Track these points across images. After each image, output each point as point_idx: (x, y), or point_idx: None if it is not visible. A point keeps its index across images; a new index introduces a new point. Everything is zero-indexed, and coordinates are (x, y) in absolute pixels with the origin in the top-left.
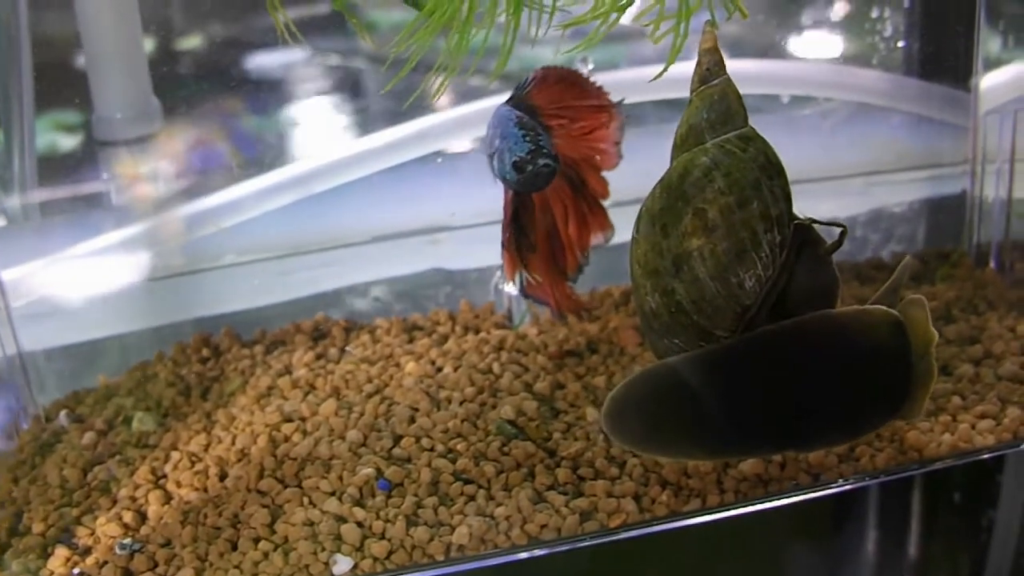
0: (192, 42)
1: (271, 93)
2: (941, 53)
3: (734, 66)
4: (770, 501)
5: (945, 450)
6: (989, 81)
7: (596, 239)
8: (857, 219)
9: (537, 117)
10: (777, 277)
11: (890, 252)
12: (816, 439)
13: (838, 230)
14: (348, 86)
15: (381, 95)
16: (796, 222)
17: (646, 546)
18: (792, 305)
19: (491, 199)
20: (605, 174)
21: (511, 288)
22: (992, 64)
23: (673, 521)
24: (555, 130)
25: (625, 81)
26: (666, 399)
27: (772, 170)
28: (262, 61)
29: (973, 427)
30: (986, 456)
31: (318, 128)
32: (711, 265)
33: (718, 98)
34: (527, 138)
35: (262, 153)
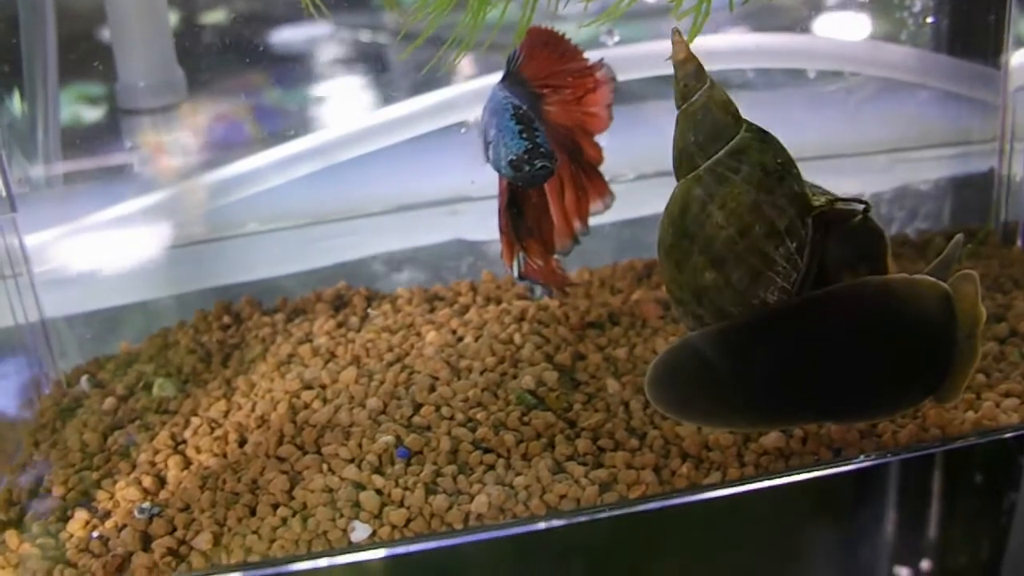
0: (216, 16)
1: (295, 67)
2: (971, 29)
3: (760, 40)
4: (790, 475)
5: (968, 427)
6: (1019, 58)
7: (595, 206)
8: (883, 196)
9: (529, 88)
10: (807, 271)
11: (916, 229)
12: (853, 411)
13: (860, 206)
14: (372, 60)
15: (405, 70)
16: (815, 211)
17: (665, 518)
18: (834, 279)
19: None
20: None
21: (514, 271)
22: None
23: (693, 493)
24: (547, 97)
25: (649, 54)
26: (708, 366)
27: (772, 181)
28: (287, 35)
29: (998, 405)
30: (1009, 435)
31: (342, 102)
32: (729, 296)
33: (701, 116)
34: (524, 135)
35: (285, 126)
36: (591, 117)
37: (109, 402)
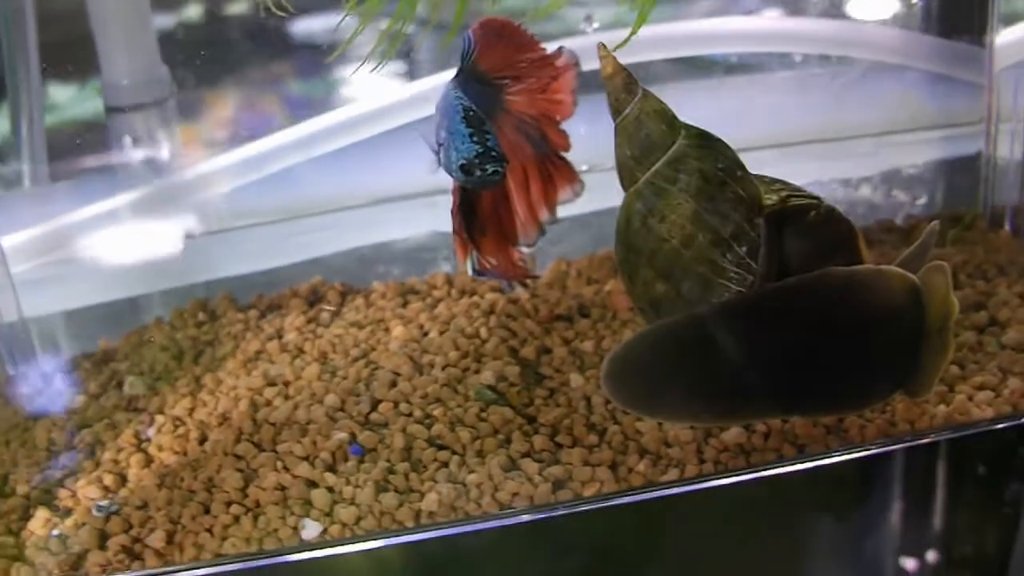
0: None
1: (318, 57)
2: (957, 8)
3: (745, 24)
4: (750, 473)
5: (939, 422)
6: (1005, 38)
7: (565, 194)
8: (870, 180)
9: (487, 80)
10: (767, 272)
11: (904, 215)
12: (820, 405)
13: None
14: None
15: (432, 56)
16: (767, 212)
17: (619, 515)
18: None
19: None
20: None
21: (468, 269)
22: (1012, 19)
23: (647, 492)
24: (508, 87)
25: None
26: (668, 359)
27: (712, 188)
28: (309, 25)
29: (971, 398)
30: (981, 430)
31: (366, 91)
32: (683, 305)
33: (634, 130)
34: (474, 138)
35: (307, 116)
36: (556, 104)
37: (80, 400)
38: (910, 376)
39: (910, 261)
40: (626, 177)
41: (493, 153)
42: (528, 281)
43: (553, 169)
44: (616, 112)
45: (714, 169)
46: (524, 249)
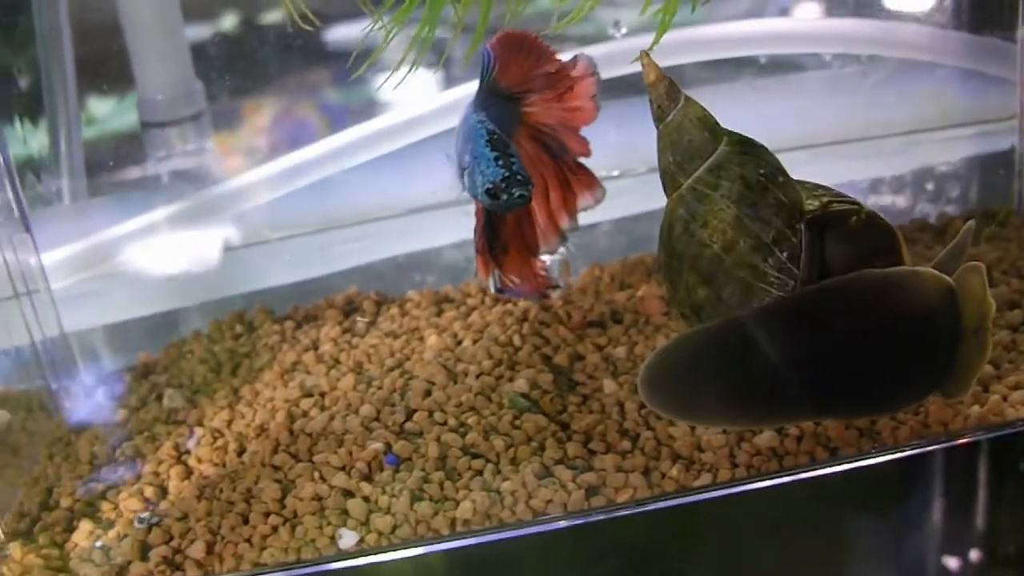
0: (274, 16)
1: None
2: (987, 3)
3: (773, 25)
4: (782, 476)
5: (973, 423)
6: None
7: (585, 201)
8: (903, 178)
9: (507, 97)
10: (807, 277)
11: (937, 212)
12: (857, 406)
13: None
14: (432, 55)
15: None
16: (808, 217)
17: (653, 521)
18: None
19: None
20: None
21: (490, 286)
22: None
23: (680, 497)
24: (525, 98)
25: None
26: (704, 364)
27: (754, 194)
28: (345, 33)
29: (1005, 399)
30: (1018, 430)
31: (402, 98)
32: (724, 310)
33: (676, 136)
34: (500, 162)
35: (347, 125)
36: (575, 111)
37: (121, 414)
38: (946, 377)
39: (947, 261)
40: (669, 183)
41: (519, 176)
42: (549, 292)
43: (572, 177)
44: (659, 118)
45: (756, 175)
46: (550, 257)
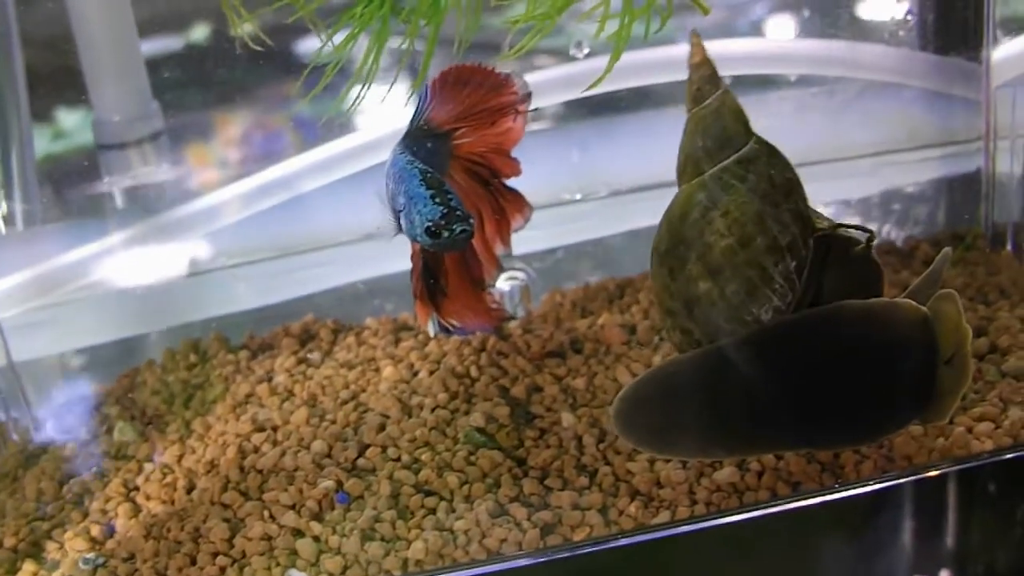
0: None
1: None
2: (951, 25)
3: (737, 46)
4: (741, 513)
5: (937, 457)
6: (1001, 53)
7: (516, 223)
8: (869, 201)
9: (436, 135)
10: (803, 295)
11: (904, 236)
12: (836, 437)
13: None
14: (407, 68)
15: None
16: (818, 234)
17: (610, 559)
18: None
19: None
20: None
21: (430, 330)
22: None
23: (637, 535)
24: (456, 132)
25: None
26: (679, 396)
27: (778, 195)
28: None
29: (970, 431)
30: (982, 463)
31: (376, 112)
32: (722, 308)
33: (712, 121)
34: (436, 199)
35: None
36: (506, 133)
37: (70, 448)
38: (926, 404)
39: (922, 289)
40: (690, 168)
41: (459, 212)
42: (503, 323)
43: (504, 201)
44: (695, 102)
45: (782, 177)
46: (511, 283)
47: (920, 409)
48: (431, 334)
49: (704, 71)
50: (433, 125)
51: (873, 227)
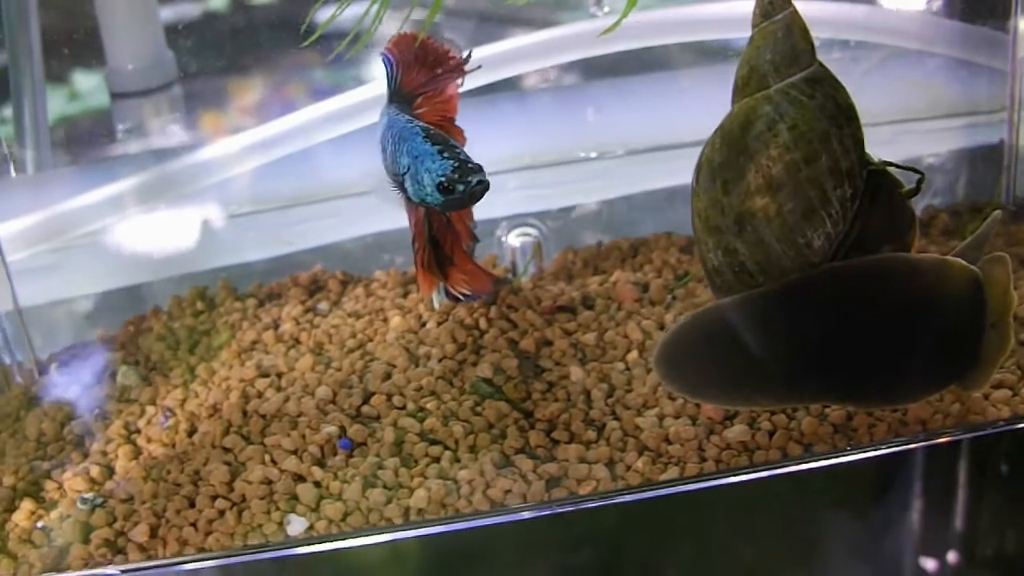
0: None
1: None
2: None
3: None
4: (751, 472)
5: (952, 422)
6: None
7: None
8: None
9: (405, 102)
10: (849, 229)
11: (923, 205)
12: (876, 393)
13: (915, 176)
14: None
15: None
16: (870, 168)
17: (615, 513)
18: (865, 251)
19: (502, 148)
20: None
21: (435, 302)
22: None
23: (644, 491)
24: (414, 102)
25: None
26: (722, 342)
27: (842, 117)
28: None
29: (986, 397)
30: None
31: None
32: (776, 226)
33: (782, 36)
34: (445, 154)
35: None
36: (449, 101)
37: (73, 391)
38: (966, 369)
39: (968, 251)
40: (754, 81)
41: (471, 164)
42: (502, 282)
43: None
44: (764, 15)
45: (846, 102)
46: (522, 240)
47: (959, 374)
48: (435, 306)
49: None
50: (406, 91)
51: None
